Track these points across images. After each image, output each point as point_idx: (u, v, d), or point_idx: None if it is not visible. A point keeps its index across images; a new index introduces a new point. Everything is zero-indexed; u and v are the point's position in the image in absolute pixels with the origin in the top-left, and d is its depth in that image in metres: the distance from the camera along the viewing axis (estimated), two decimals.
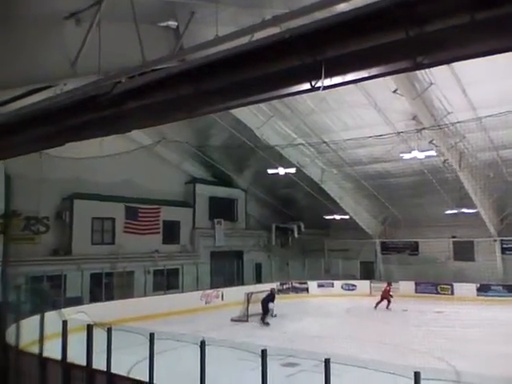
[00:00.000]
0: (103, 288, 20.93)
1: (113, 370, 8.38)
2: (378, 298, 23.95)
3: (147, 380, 7.97)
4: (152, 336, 8.20)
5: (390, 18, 4.09)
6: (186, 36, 8.13)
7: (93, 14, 7.84)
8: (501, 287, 25.72)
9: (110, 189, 22.13)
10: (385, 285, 24.45)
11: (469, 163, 22.42)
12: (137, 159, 22.54)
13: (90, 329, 8.96)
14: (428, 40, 4.12)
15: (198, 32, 8.78)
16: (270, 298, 20.24)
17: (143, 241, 23.87)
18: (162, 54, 6.98)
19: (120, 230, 23.27)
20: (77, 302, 18.24)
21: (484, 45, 4.20)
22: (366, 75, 4.86)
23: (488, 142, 20.83)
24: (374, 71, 4.75)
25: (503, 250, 26.83)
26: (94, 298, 20.06)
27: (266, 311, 19.79)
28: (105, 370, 8.39)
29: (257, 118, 21.99)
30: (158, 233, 24.92)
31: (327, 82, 4.86)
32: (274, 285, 25.27)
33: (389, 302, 23.53)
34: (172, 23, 9.42)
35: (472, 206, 24.53)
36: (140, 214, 24.16)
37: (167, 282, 23.98)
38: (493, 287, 25.89)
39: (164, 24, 9.34)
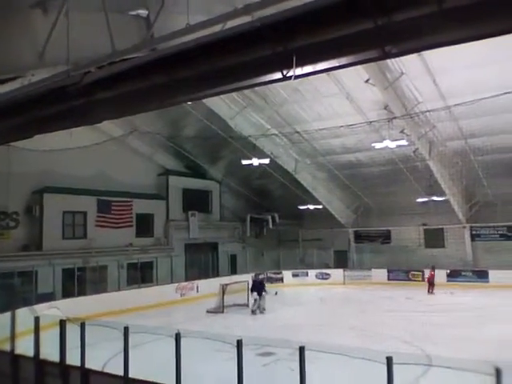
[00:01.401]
0: (75, 283, 20.61)
1: (87, 366, 8.28)
2: (426, 284, 24.72)
3: (122, 374, 7.90)
4: (126, 330, 8.12)
5: (358, 8, 4.11)
6: (156, 24, 8.00)
7: (60, 2, 7.65)
8: (470, 273, 26.44)
9: (82, 182, 21.77)
10: (429, 270, 25.24)
11: (438, 152, 22.87)
12: (108, 152, 22.22)
13: (62, 324, 8.81)
14: (396, 29, 4.16)
15: (169, 20, 8.66)
16: (262, 286, 20.45)
17: (116, 234, 23.59)
18: (132, 43, 6.86)
19: (92, 224, 22.91)
20: (49, 297, 17.90)
21: (452, 34, 4.26)
22: (337, 64, 4.89)
23: (457, 131, 21.26)
24: (343, 60, 4.79)
25: (472, 237, 27.54)
26: (67, 293, 19.72)
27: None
28: (79, 365, 8.29)
29: (230, 108, 21.90)
30: (131, 226, 24.65)
31: (298, 71, 4.86)
32: (250, 276, 25.41)
33: (433, 286, 24.39)
34: (142, 12, 9.26)
35: (442, 193, 25.06)
36: (112, 207, 23.83)
37: (141, 275, 23.78)
38: (463, 273, 26.59)
39: (134, 13, 9.18)
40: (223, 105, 21.62)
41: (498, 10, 3.83)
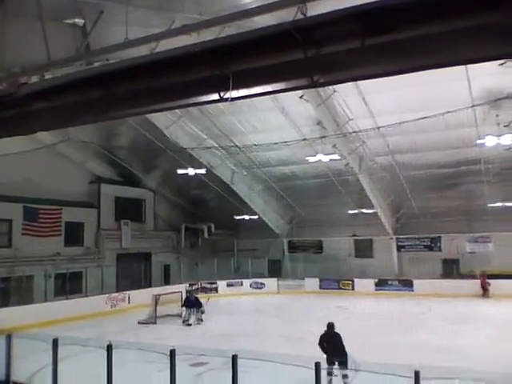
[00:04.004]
0: None
1: (13, 379, 8.01)
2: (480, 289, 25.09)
3: None
4: (55, 342, 7.96)
5: (290, 40, 4.42)
6: (93, 35, 7.96)
7: None
8: (396, 282, 27.78)
9: (7, 188, 20.74)
10: (480, 278, 25.46)
11: (368, 166, 24.01)
12: (37, 157, 21.19)
13: None
14: (324, 61, 4.52)
15: (107, 32, 8.63)
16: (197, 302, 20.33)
17: (44, 243, 22.65)
18: (68, 53, 6.79)
19: (18, 232, 21.92)
20: None
21: (375, 67, 4.68)
22: (270, 89, 5.19)
23: (385, 147, 22.44)
24: (276, 86, 5.09)
25: (398, 248, 29.04)
26: None
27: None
28: (4, 378, 7.99)
29: (166, 117, 21.77)
30: (60, 235, 23.79)
31: (235, 93, 5.11)
32: (183, 286, 25.35)
33: (486, 290, 24.85)
34: (79, 21, 9.15)
35: (371, 206, 26.31)
36: (40, 215, 22.93)
37: (70, 286, 22.97)
38: (389, 282, 27.89)
39: (70, 21, 9.05)
40: (159, 114, 21.46)
41: (414, 48, 4.27)
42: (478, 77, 16.05)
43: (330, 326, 10.84)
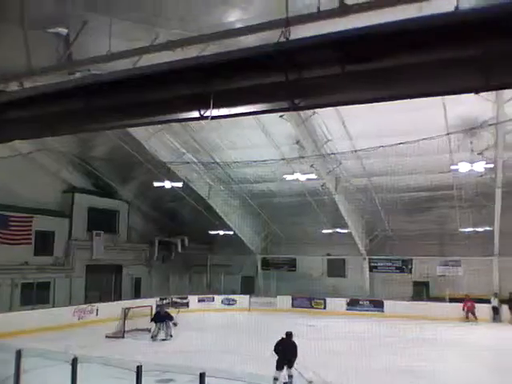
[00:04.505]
0: None
1: None
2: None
3: None
4: (18, 353, 7.74)
5: (272, 62, 4.49)
6: (76, 45, 7.91)
7: None
8: (368, 302, 27.96)
9: None
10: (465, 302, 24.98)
11: (344, 187, 24.30)
12: (8, 164, 20.62)
13: None
14: (305, 85, 4.59)
15: (90, 42, 8.59)
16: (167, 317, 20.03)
17: (12, 251, 22.07)
18: (50, 62, 6.72)
19: None
20: None
21: (354, 94, 4.78)
22: (251, 110, 5.24)
23: (361, 169, 22.77)
24: (257, 107, 5.15)
25: (371, 268, 29.31)
26: None
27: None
28: None
29: (145, 129, 21.67)
30: (30, 243, 23.23)
31: (215, 112, 5.14)
32: (154, 300, 25.01)
33: (473, 314, 24.60)
34: (62, 30, 9.08)
35: (345, 226, 26.56)
36: (11, 223, 22.40)
37: (37, 296, 22.42)
38: (361, 302, 28.05)
39: (53, 30, 8.97)
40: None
41: (393, 77, 4.39)
42: (453, 105, 16.51)
43: (289, 334, 12.03)
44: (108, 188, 27.64)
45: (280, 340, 11.89)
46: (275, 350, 11.65)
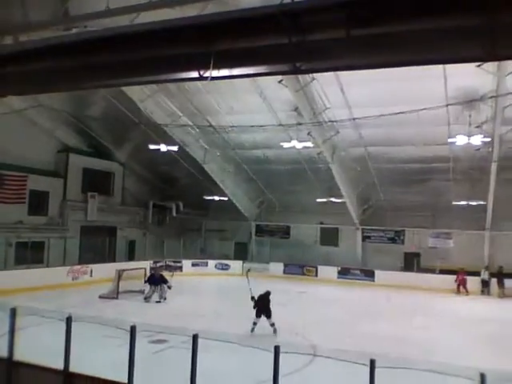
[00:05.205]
0: None
1: None
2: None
3: (6, 356, 7.60)
4: (13, 311, 7.80)
5: (276, 24, 4.36)
6: (73, 1, 7.67)
7: None
8: (359, 271, 28.31)
9: None
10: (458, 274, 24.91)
11: (340, 156, 24.22)
12: (4, 121, 20.50)
13: None
14: (308, 48, 4.48)
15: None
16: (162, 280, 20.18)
17: (6, 210, 22.02)
18: (47, 17, 6.52)
19: None
20: None
21: (358, 59, 4.68)
22: (252, 72, 5.12)
23: (358, 139, 22.65)
24: (258, 69, 5.03)
25: (363, 238, 29.57)
26: None
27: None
28: None
29: (141, 90, 21.32)
30: (24, 203, 23.15)
31: (215, 73, 5.02)
32: (148, 263, 25.22)
33: (465, 287, 24.61)
34: None
35: (339, 196, 26.61)
36: (5, 181, 22.26)
37: (31, 255, 22.53)
38: (352, 271, 28.40)
39: None
40: (135, 86, 20.98)
41: (398, 43, 4.29)
42: (454, 76, 16.32)
43: (267, 292, 14.64)
44: (103, 149, 27.43)
45: (260, 295, 14.44)
46: (254, 303, 14.27)
